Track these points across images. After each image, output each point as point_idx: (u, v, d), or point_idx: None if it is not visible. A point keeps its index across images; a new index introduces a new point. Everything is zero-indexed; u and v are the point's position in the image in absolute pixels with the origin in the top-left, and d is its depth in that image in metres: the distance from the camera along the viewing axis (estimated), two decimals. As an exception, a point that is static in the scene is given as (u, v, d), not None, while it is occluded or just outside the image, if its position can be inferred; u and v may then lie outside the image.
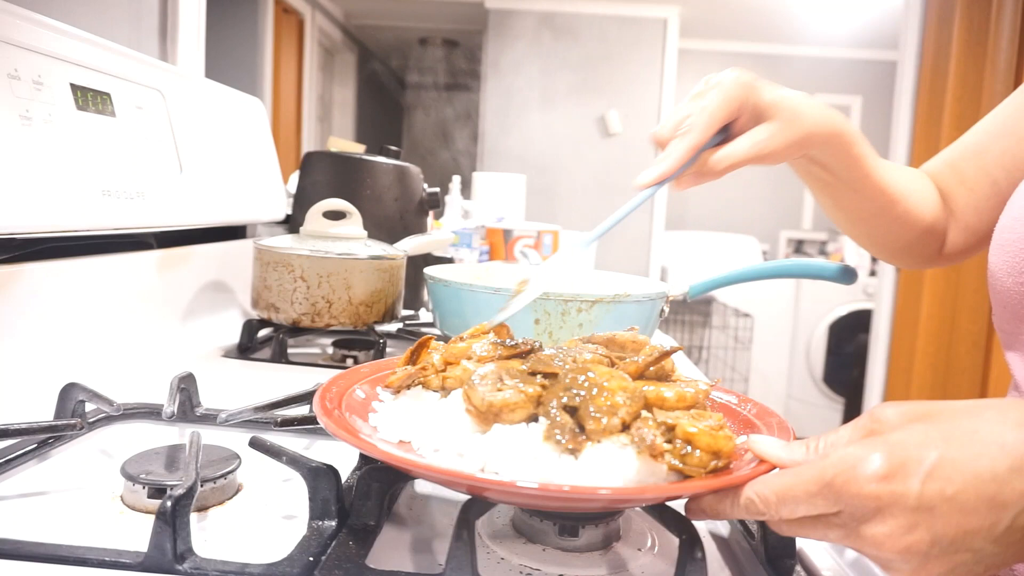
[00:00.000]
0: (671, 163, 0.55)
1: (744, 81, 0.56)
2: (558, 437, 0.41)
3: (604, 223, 0.57)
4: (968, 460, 0.35)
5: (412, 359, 0.53)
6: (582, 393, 0.43)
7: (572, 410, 0.43)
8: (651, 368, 0.49)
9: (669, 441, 0.42)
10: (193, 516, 0.45)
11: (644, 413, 0.43)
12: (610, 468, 0.41)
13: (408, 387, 0.51)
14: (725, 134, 0.58)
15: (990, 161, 0.70)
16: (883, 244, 0.76)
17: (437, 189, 1.33)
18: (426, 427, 0.46)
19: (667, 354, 0.48)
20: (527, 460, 0.41)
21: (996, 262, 0.58)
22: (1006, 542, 0.35)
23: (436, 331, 0.93)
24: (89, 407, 0.63)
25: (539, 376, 0.46)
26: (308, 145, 4.26)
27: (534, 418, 0.44)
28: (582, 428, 0.42)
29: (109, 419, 0.65)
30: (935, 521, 0.34)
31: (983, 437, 0.35)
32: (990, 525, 0.34)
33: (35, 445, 0.58)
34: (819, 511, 0.37)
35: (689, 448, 0.41)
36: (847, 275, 0.84)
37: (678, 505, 0.44)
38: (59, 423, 0.57)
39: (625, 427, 0.42)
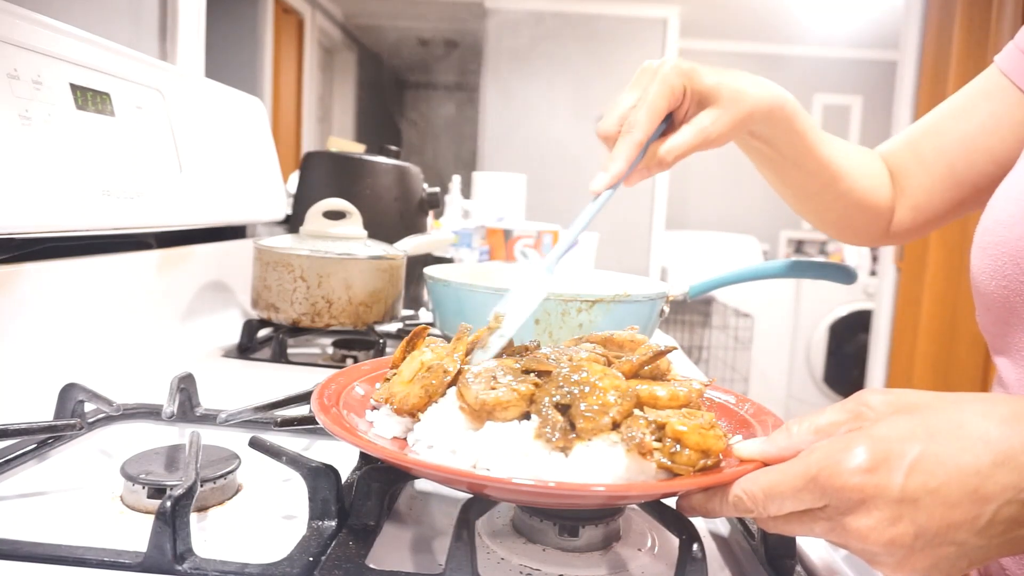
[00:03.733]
0: (621, 164, 0.55)
1: (683, 70, 0.56)
2: (548, 435, 0.42)
3: (563, 241, 0.56)
4: (952, 454, 0.35)
5: (408, 349, 0.53)
6: (574, 391, 0.43)
7: (564, 408, 0.43)
8: (646, 367, 0.49)
9: (659, 439, 0.42)
10: (193, 516, 0.45)
11: (636, 412, 0.43)
12: (599, 466, 0.41)
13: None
14: (668, 122, 0.58)
15: (948, 143, 0.70)
16: (829, 221, 0.77)
17: (437, 189, 1.33)
18: (421, 424, 0.47)
19: (661, 353, 0.48)
20: (518, 457, 0.42)
21: (979, 265, 0.58)
22: (989, 535, 0.35)
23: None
24: (89, 407, 0.63)
25: (533, 374, 0.46)
26: (308, 145, 4.25)
27: (527, 416, 0.44)
28: (573, 426, 0.42)
29: (109, 419, 0.65)
30: (918, 514, 0.35)
31: (968, 431, 0.36)
32: (973, 518, 0.35)
33: (35, 445, 0.58)
34: (806, 506, 0.37)
35: (678, 447, 0.41)
36: (847, 275, 0.84)
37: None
38: (59, 423, 0.57)
39: (616, 426, 0.42)
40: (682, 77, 0.56)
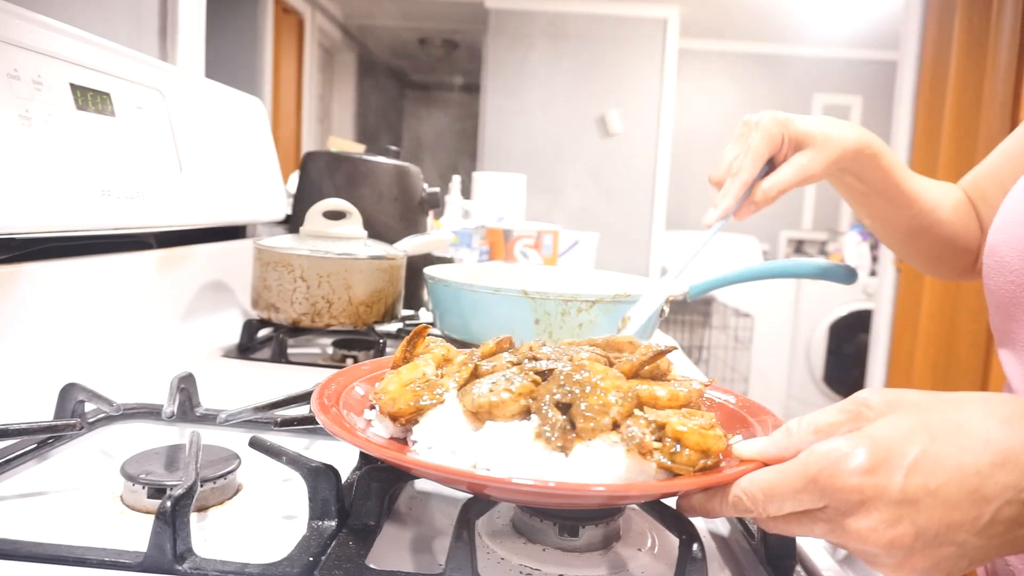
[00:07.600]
0: (730, 200, 0.64)
1: (780, 119, 0.65)
2: (548, 435, 0.42)
3: (682, 262, 0.69)
4: (952, 454, 0.35)
5: (408, 348, 0.53)
6: (575, 391, 0.43)
7: (565, 407, 0.43)
8: (646, 367, 0.49)
9: (659, 439, 0.42)
10: (193, 516, 0.45)
11: (636, 412, 0.43)
12: (599, 466, 0.41)
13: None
14: (770, 166, 0.67)
15: (1006, 181, 0.71)
16: (917, 254, 0.80)
17: (437, 189, 1.33)
18: (421, 424, 0.47)
19: (661, 353, 0.48)
20: (518, 457, 0.42)
21: (988, 263, 0.60)
22: (989, 535, 0.35)
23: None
24: (89, 407, 0.63)
25: (532, 373, 0.46)
26: (308, 145, 4.26)
27: (528, 415, 0.44)
28: (574, 426, 0.42)
29: (109, 419, 0.65)
30: (918, 514, 0.35)
31: (968, 431, 0.36)
32: (973, 518, 0.35)
33: (35, 445, 0.58)
34: (805, 506, 0.37)
35: (678, 447, 0.41)
36: (847, 275, 0.84)
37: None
38: (59, 423, 0.57)
39: (616, 426, 0.42)
40: (779, 126, 0.65)
